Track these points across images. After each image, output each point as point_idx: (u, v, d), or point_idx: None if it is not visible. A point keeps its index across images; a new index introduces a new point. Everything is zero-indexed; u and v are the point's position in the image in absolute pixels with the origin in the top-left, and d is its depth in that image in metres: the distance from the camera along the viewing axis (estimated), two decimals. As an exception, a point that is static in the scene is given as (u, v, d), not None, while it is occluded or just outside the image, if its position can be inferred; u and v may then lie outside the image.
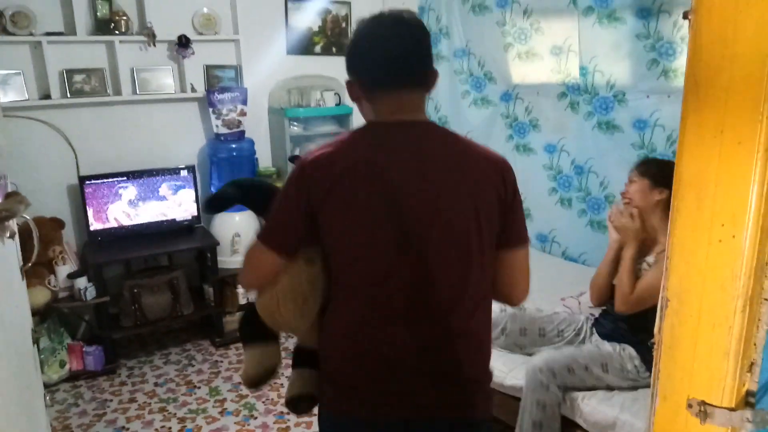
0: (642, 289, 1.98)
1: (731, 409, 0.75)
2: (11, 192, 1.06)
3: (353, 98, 1.24)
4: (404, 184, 1.12)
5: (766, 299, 0.74)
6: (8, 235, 1.18)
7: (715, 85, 0.73)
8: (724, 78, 0.72)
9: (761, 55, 0.69)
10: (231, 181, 1.37)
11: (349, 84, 1.22)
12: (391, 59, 1.15)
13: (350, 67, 1.21)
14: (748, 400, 0.77)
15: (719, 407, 0.75)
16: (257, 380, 1.34)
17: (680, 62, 2.76)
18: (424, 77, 1.19)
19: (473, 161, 1.17)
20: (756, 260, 0.72)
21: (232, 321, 3.41)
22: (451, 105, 3.80)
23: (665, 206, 2.00)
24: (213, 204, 1.36)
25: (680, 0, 2.65)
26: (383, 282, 1.13)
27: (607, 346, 2.09)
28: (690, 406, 0.78)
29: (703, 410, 0.76)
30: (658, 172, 2.04)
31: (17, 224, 2.95)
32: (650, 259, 2.04)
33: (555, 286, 2.84)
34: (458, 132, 1.24)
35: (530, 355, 2.18)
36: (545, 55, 3.32)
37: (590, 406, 1.94)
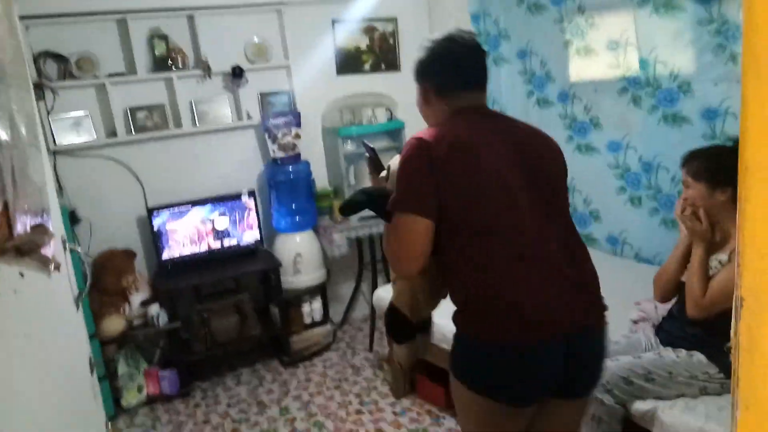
0: (715, 290, 1.83)
1: (826, 420, 0.66)
2: (37, 225, 1.08)
3: (424, 100, 1.53)
4: (508, 152, 1.39)
5: None
6: (53, 267, 1.21)
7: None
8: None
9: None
10: (360, 189, 1.55)
11: (423, 88, 1.52)
12: (470, 67, 1.49)
13: (427, 74, 1.51)
14: None
15: (812, 418, 0.67)
16: (410, 368, 1.65)
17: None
18: (487, 80, 1.52)
19: (545, 136, 1.51)
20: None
21: (298, 340, 3.44)
22: (516, 106, 3.72)
23: (732, 202, 1.85)
24: (347, 209, 1.53)
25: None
26: (522, 226, 1.36)
27: (671, 354, 1.94)
28: (777, 417, 0.69)
29: (793, 422, 0.68)
30: (713, 172, 1.86)
31: (90, 257, 3.11)
32: (723, 257, 1.88)
33: (629, 289, 2.69)
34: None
35: None
36: (602, 51, 3.19)
37: (672, 416, 1.81)
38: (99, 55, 3.15)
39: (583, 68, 3.32)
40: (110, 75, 3.18)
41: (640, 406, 1.90)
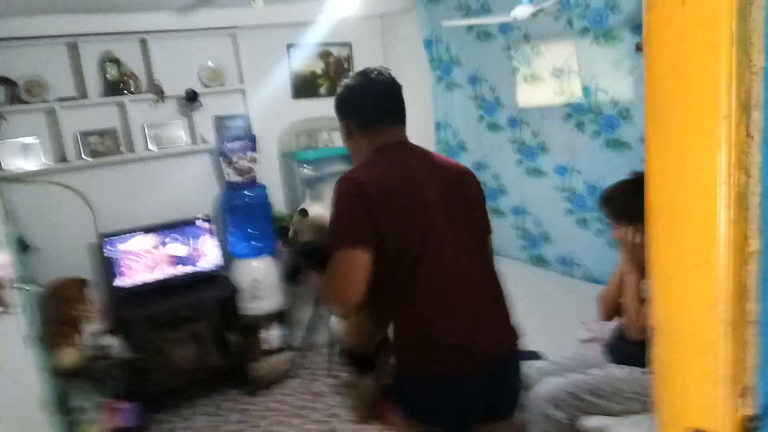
0: (647, 314, 1.92)
1: (728, 438, 0.73)
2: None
3: (348, 136, 1.61)
4: (431, 188, 1.48)
5: (750, 322, 0.72)
6: (1, 309, 1.21)
7: (673, 112, 0.73)
8: (681, 104, 0.72)
9: (714, 76, 0.69)
10: (296, 252, 1.62)
11: (345, 124, 1.60)
12: (387, 103, 1.57)
13: (346, 111, 1.59)
14: (748, 426, 0.75)
15: (716, 436, 0.73)
16: (378, 396, 1.64)
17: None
18: (405, 115, 1.60)
19: (463, 168, 1.62)
20: (733, 284, 0.71)
21: (258, 368, 3.42)
22: (468, 130, 3.83)
23: None
24: (292, 278, 1.64)
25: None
26: (450, 268, 1.45)
27: (616, 371, 2.03)
28: (687, 436, 0.76)
29: (700, 441, 0.74)
30: (631, 213, 1.94)
31: (41, 286, 3.04)
32: None
33: (579, 309, 2.79)
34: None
35: None
36: (547, 78, 3.34)
37: (622, 432, 1.89)
38: (49, 79, 3.11)
39: (530, 94, 3.46)
40: (61, 99, 3.14)
41: (590, 422, 1.97)
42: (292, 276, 1.60)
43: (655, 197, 0.76)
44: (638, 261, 1.99)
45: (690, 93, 0.70)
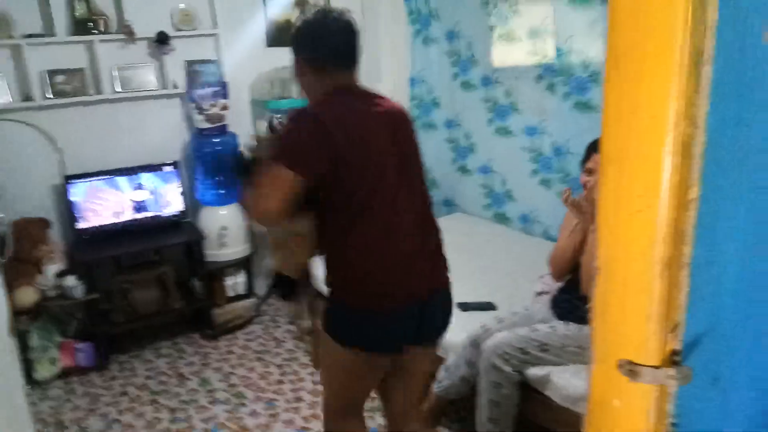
0: None
1: (656, 368, 0.79)
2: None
3: (300, 72, 1.61)
4: (381, 130, 1.54)
5: (684, 264, 0.78)
6: None
7: (632, 59, 0.76)
8: (639, 52, 0.76)
9: (670, 27, 0.72)
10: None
11: (298, 63, 1.59)
12: (343, 46, 1.57)
13: (300, 49, 1.58)
14: (673, 359, 0.81)
15: (646, 366, 0.80)
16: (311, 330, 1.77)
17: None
18: (358, 59, 1.61)
19: (401, 108, 1.68)
20: (673, 228, 0.76)
21: (221, 313, 3.46)
22: (442, 87, 3.83)
23: None
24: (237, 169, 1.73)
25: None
26: (393, 202, 1.53)
27: (563, 328, 2.12)
28: (620, 366, 0.82)
29: (631, 370, 0.81)
30: None
31: (3, 225, 3.00)
32: None
33: (536, 264, 2.89)
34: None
35: None
36: (523, 38, 3.35)
37: (564, 379, 1.99)
38: (14, 15, 2.99)
39: (505, 54, 3.46)
40: (27, 36, 3.03)
41: (535, 371, 2.07)
42: (239, 167, 1.69)
43: (608, 142, 0.81)
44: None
45: (647, 43, 0.74)
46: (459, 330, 2.30)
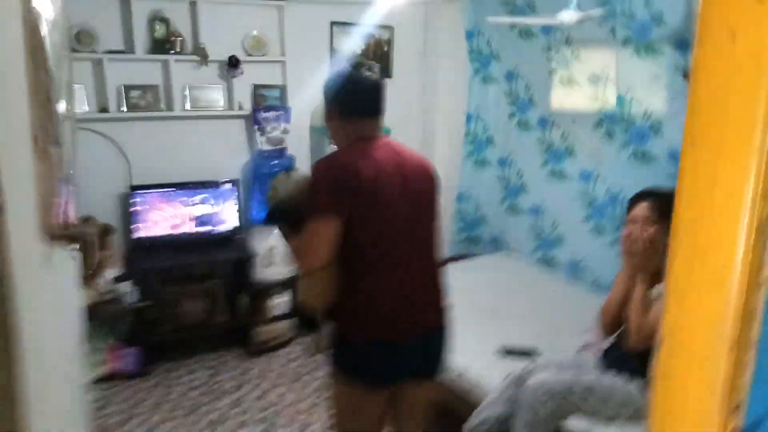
0: (651, 320, 1.96)
1: (718, 446, 0.79)
2: (88, 217, 1.20)
3: (328, 117, 1.79)
4: (397, 180, 1.68)
5: (752, 344, 0.78)
6: (77, 248, 1.33)
7: (710, 140, 0.78)
8: (717, 134, 0.77)
9: (750, 118, 0.74)
10: (275, 206, 1.80)
11: (328, 110, 1.78)
12: (369, 99, 1.77)
13: (332, 97, 1.78)
14: (735, 438, 0.81)
15: (707, 443, 0.80)
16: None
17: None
18: (382, 111, 1.80)
19: (423, 162, 1.82)
20: (744, 307, 0.77)
21: (264, 331, 3.52)
22: (498, 126, 3.87)
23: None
24: (272, 219, 1.83)
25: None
26: (399, 249, 1.70)
27: (611, 379, 2.07)
28: (680, 441, 0.82)
29: (692, 445, 0.81)
30: (669, 212, 1.99)
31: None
32: (661, 288, 2.03)
33: (583, 314, 2.84)
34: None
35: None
36: (583, 83, 3.36)
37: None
38: (99, 31, 3.19)
39: (564, 97, 3.48)
40: (108, 51, 3.22)
41: (575, 423, 2.03)
42: (271, 220, 1.81)
43: (683, 214, 0.82)
44: (650, 265, 2.01)
45: (728, 125, 0.76)
46: (499, 373, 2.30)
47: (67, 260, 1.44)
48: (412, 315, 1.73)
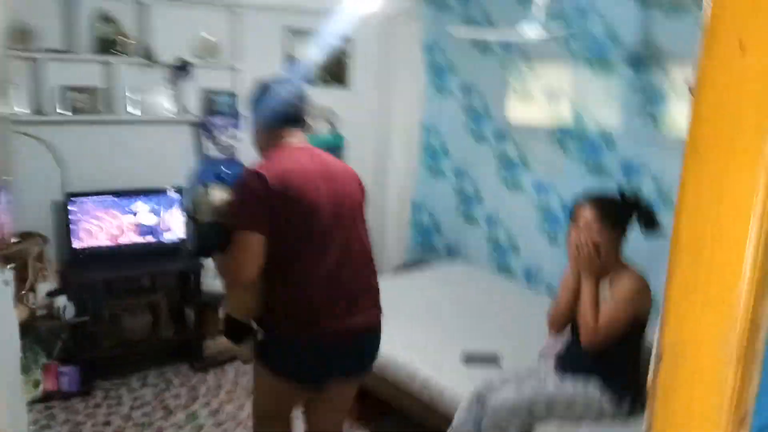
0: (605, 320, 2.01)
1: (724, 468, 0.76)
2: (29, 233, 1.07)
3: (253, 132, 1.87)
4: (321, 187, 1.72)
5: (758, 356, 0.76)
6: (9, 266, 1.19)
7: (716, 151, 0.76)
8: (724, 149, 0.75)
9: (760, 131, 0.73)
10: (199, 230, 1.84)
11: (253, 119, 1.85)
12: (290, 110, 1.82)
13: (256, 111, 1.84)
14: (739, 456, 0.79)
15: (711, 462, 0.77)
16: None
17: (670, 111, 2.83)
18: (306, 122, 1.89)
19: (348, 169, 1.88)
20: (750, 321, 0.75)
21: (212, 345, 3.37)
22: (454, 137, 3.87)
23: (620, 242, 2.09)
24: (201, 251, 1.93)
25: (671, 51, 2.74)
26: (325, 251, 1.73)
27: (569, 387, 2.10)
28: (683, 463, 0.79)
29: (695, 465, 0.78)
30: (611, 216, 2.06)
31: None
32: (605, 291, 2.07)
33: (540, 321, 2.85)
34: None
35: None
36: (539, 97, 3.40)
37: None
38: (36, 28, 2.99)
39: (520, 111, 3.52)
40: (47, 50, 3.02)
41: (544, 429, 2.03)
42: (201, 251, 1.89)
43: (684, 227, 0.80)
44: (595, 267, 2.06)
45: (736, 138, 0.74)
46: (462, 382, 2.26)
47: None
48: (341, 317, 1.75)
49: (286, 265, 1.71)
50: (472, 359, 2.49)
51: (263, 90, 1.84)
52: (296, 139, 1.83)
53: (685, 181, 0.81)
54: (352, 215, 1.82)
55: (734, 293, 0.75)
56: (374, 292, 1.89)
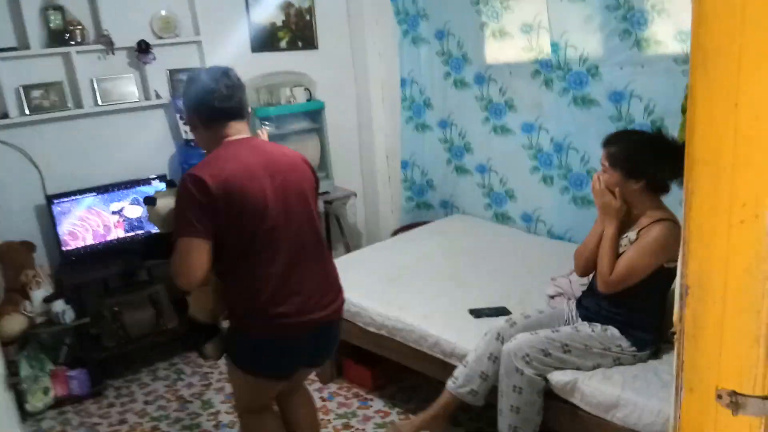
0: (622, 268, 1.95)
1: (764, 398, 0.71)
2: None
3: (192, 127, 1.79)
4: (267, 180, 1.68)
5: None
6: None
7: (725, 55, 0.68)
8: (735, 46, 0.67)
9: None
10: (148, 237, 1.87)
11: (189, 117, 1.77)
12: (228, 103, 1.71)
13: (190, 107, 1.75)
14: (780, 386, 0.73)
15: (751, 396, 0.72)
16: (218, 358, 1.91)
17: (652, 31, 2.73)
18: (246, 111, 1.80)
19: (296, 157, 1.83)
20: (781, 239, 0.68)
21: (221, 331, 3.32)
22: (434, 87, 3.75)
23: (644, 191, 1.98)
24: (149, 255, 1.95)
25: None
26: (277, 243, 1.69)
27: (587, 328, 2.05)
28: (720, 396, 0.74)
29: (734, 400, 0.72)
30: (630, 163, 1.96)
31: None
32: (632, 235, 2.00)
33: (544, 265, 2.82)
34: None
35: None
36: (516, 34, 3.28)
37: (591, 386, 1.91)
38: (-17, 28, 2.84)
39: (498, 51, 3.40)
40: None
41: (559, 377, 1.99)
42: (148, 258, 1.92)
43: (698, 149, 0.72)
44: (612, 211, 1.99)
45: (747, 35, 0.65)
46: (473, 336, 2.22)
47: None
48: (301, 312, 1.72)
49: (240, 266, 1.69)
50: (481, 314, 2.44)
51: (197, 86, 1.72)
52: (237, 132, 1.75)
53: (694, 96, 0.72)
54: (301, 207, 1.77)
55: (762, 209, 0.67)
56: (333, 280, 1.87)
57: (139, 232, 3.25)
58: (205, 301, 1.78)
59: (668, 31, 2.70)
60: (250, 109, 1.83)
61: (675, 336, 0.80)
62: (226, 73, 1.74)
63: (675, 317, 0.80)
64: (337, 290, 1.87)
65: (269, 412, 1.98)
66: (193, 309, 1.82)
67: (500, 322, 2.20)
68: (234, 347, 1.81)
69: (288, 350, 1.76)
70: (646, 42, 2.77)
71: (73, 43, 3.03)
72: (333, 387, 2.88)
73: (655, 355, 2.03)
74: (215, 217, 1.60)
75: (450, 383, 2.17)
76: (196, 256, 1.59)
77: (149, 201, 1.78)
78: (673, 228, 1.91)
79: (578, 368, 2.00)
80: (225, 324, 1.86)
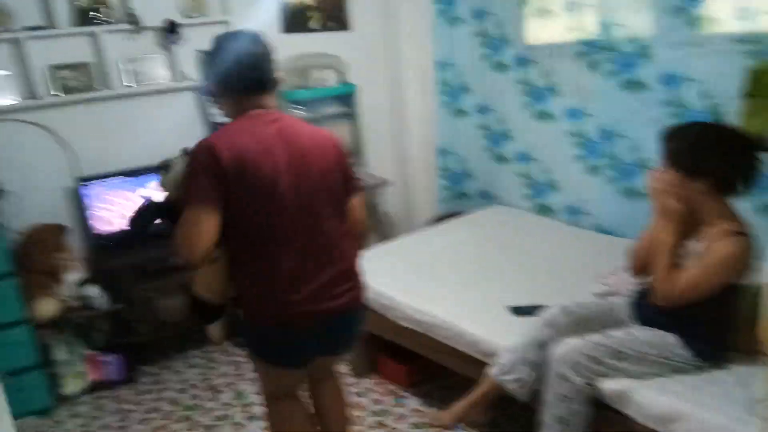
0: (684, 284, 1.76)
1: None
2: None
3: (214, 98, 1.71)
4: (283, 157, 1.59)
5: None
6: None
7: None
8: None
9: None
10: (148, 203, 1.76)
11: (213, 87, 1.67)
12: (254, 73, 1.64)
13: (215, 76, 1.65)
14: None
15: None
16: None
17: (709, 8, 2.54)
18: (274, 83, 1.69)
19: (322, 136, 1.71)
20: None
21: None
22: (471, 70, 3.60)
23: (710, 193, 1.77)
24: (135, 224, 1.75)
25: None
26: (294, 234, 1.61)
27: (643, 334, 1.89)
28: None
29: None
30: (689, 163, 1.76)
31: (17, 233, 2.81)
32: (698, 247, 1.80)
33: (590, 261, 2.68)
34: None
35: None
36: (559, 12, 3.11)
37: (647, 396, 1.77)
38: (11, 6, 2.77)
39: (540, 30, 3.24)
40: (26, 28, 2.81)
41: (610, 385, 1.86)
42: (138, 227, 1.75)
43: None
44: (669, 212, 1.83)
45: None
46: (511, 335, 2.11)
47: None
48: (313, 299, 1.65)
49: (249, 249, 1.62)
50: (521, 312, 2.32)
51: (220, 54, 1.64)
52: (262, 107, 1.66)
53: None
54: (322, 193, 1.67)
55: None
56: (350, 272, 1.76)
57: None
58: (213, 279, 1.71)
59: (727, 8, 2.51)
60: (279, 79, 1.72)
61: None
62: (253, 37, 1.66)
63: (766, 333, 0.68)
64: (354, 279, 1.77)
65: (293, 399, 1.92)
66: (200, 287, 1.75)
67: (553, 309, 2.07)
68: (246, 335, 1.77)
69: (296, 339, 1.69)
70: (702, 20, 2.58)
71: (100, 22, 2.95)
72: (368, 383, 2.80)
73: (718, 365, 1.87)
74: (224, 188, 1.52)
75: (493, 370, 2.06)
76: (203, 226, 1.51)
77: (164, 167, 1.72)
78: (747, 244, 1.72)
79: (630, 376, 1.85)
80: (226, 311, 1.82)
